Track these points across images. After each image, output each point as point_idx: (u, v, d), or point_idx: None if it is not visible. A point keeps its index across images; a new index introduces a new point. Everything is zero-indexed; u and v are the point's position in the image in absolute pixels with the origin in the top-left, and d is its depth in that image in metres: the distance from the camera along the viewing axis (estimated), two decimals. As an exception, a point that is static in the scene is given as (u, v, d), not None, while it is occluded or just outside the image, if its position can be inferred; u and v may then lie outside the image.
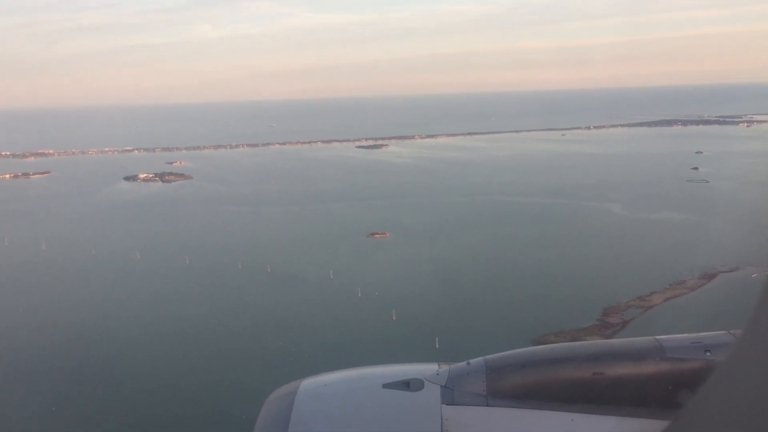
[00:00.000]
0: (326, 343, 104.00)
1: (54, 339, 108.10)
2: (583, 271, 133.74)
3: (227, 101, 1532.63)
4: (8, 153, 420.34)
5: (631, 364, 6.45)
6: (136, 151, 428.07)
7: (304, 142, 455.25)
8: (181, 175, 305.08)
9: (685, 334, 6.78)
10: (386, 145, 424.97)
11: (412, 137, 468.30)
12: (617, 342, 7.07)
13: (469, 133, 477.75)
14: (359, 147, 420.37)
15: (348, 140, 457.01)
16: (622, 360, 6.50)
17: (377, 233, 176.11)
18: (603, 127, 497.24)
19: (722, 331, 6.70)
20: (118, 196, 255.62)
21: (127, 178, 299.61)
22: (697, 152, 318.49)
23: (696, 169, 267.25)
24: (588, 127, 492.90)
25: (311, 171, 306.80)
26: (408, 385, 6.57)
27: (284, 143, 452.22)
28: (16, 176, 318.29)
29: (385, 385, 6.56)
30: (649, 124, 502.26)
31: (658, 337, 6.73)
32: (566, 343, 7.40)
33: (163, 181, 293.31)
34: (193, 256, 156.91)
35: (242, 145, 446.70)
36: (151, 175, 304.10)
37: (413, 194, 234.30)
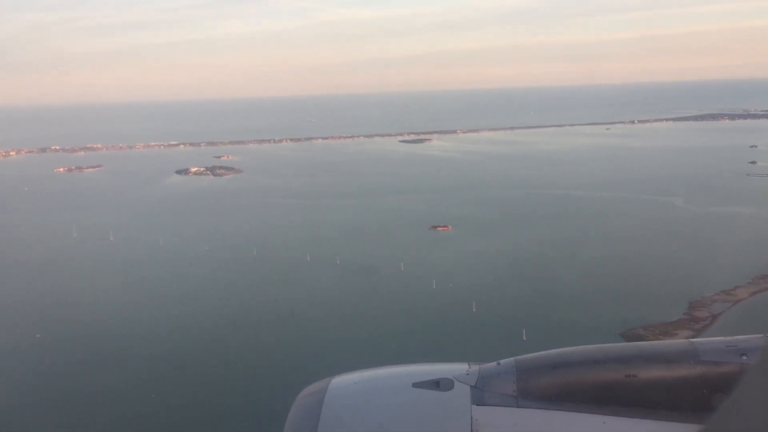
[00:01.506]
0: (407, 335, 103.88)
1: (138, 328, 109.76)
2: (662, 265, 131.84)
3: (258, 97, 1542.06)
4: (58, 147, 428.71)
5: (664, 367, 6.35)
6: (181, 146, 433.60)
7: (347, 137, 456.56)
8: (231, 169, 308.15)
9: (720, 338, 6.65)
10: (429, 139, 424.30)
11: (455, 131, 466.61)
12: (650, 344, 7.00)
13: (511, 128, 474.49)
14: (402, 141, 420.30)
15: (389, 135, 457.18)
16: (655, 363, 6.41)
17: (439, 226, 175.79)
18: (647, 121, 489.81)
19: (759, 335, 6.58)
20: (173, 189, 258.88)
21: (178, 172, 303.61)
22: (751, 146, 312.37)
23: (754, 163, 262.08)
24: (632, 122, 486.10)
25: (359, 165, 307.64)
26: (438, 384, 6.53)
27: (327, 138, 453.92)
28: (70, 170, 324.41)
29: (415, 384, 6.52)
30: (695, 118, 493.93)
31: (692, 339, 6.68)
32: (598, 345, 6.93)
33: (214, 175, 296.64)
34: (259, 247, 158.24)
35: (286, 140, 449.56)
36: (202, 169, 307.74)
37: (468, 188, 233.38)
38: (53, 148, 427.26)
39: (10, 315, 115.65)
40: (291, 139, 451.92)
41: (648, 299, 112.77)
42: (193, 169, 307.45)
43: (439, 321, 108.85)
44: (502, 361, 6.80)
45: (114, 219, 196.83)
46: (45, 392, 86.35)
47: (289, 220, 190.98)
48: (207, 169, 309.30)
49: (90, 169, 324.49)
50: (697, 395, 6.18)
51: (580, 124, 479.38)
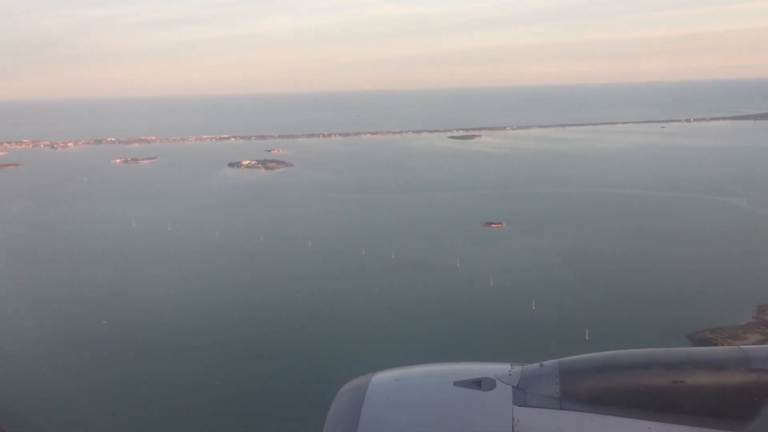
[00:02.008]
0: (465, 331, 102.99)
1: (200, 316, 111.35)
2: (727, 267, 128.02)
3: (305, 92, 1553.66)
4: (113, 139, 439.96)
5: (713, 373, 6.20)
6: (232, 139, 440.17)
7: (395, 132, 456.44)
8: (282, 163, 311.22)
9: None
10: (478, 135, 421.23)
11: (504, 128, 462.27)
12: (699, 350, 6.69)
13: (562, 125, 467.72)
14: (451, 137, 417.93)
15: (438, 131, 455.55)
16: (703, 369, 6.25)
17: (493, 223, 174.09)
18: (703, 120, 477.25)
19: None
20: (226, 181, 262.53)
21: (231, 165, 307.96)
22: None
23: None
24: (688, 120, 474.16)
25: (409, 161, 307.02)
26: (479, 384, 6.48)
27: (375, 133, 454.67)
28: (126, 161, 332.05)
29: (457, 383, 6.48)
30: (755, 117, 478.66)
31: (743, 347, 6.49)
32: (644, 349, 6.62)
33: (265, 168, 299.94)
34: (314, 240, 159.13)
35: (334, 135, 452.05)
36: (253, 162, 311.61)
37: (521, 185, 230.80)
38: (109, 139, 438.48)
39: (77, 302, 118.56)
40: (339, 134, 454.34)
41: (714, 301, 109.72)
42: (245, 162, 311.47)
43: (497, 318, 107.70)
44: (545, 363, 6.71)
45: (170, 210, 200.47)
46: (116, 378, 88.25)
47: (341, 214, 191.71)
48: (258, 162, 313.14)
49: (145, 161, 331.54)
50: (746, 403, 6.04)
51: (633, 122, 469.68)
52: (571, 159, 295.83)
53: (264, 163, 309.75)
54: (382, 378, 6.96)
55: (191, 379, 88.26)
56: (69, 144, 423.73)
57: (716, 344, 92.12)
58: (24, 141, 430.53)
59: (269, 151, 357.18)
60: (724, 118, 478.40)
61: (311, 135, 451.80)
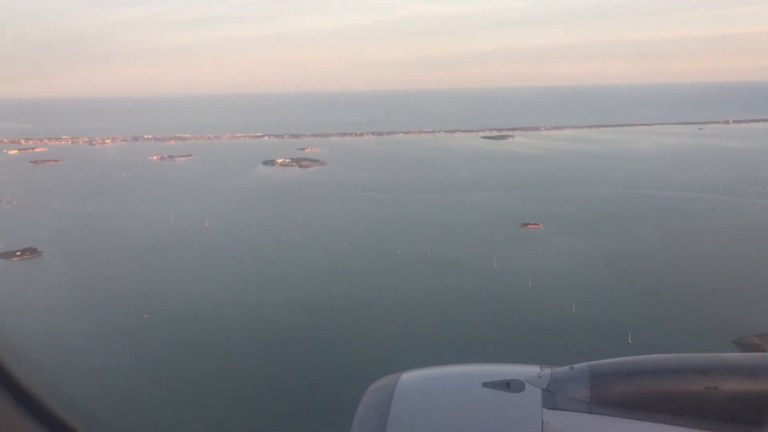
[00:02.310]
0: (503, 332, 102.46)
1: (238, 312, 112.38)
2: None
3: (337, 91, 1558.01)
4: (150, 136, 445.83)
5: (748, 380, 6.05)
6: (266, 137, 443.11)
7: (428, 132, 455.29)
8: (316, 161, 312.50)
9: None
10: (512, 136, 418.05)
11: (538, 129, 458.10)
12: (734, 356, 6.47)
13: (597, 126, 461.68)
14: (484, 138, 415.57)
15: (471, 130, 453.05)
16: (738, 375, 6.10)
17: (530, 224, 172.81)
18: (743, 121, 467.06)
19: None
20: (261, 179, 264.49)
21: (265, 163, 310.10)
22: None
23: None
24: (726, 122, 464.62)
25: (443, 160, 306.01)
26: (508, 385, 6.43)
27: (408, 132, 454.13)
28: (162, 158, 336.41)
29: (485, 384, 6.44)
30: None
31: None
32: (677, 354, 6.49)
33: (299, 167, 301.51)
34: (350, 239, 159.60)
35: (367, 134, 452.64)
36: (287, 161, 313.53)
37: (557, 185, 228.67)
38: (145, 137, 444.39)
39: (120, 296, 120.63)
40: (372, 133, 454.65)
41: (761, 306, 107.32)
42: (279, 161, 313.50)
43: (536, 320, 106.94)
44: (575, 366, 6.60)
45: (207, 207, 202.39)
46: (160, 373, 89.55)
47: (376, 213, 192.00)
48: (292, 160, 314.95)
49: (181, 158, 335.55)
50: None
51: (670, 124, 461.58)
52: (607, 160, 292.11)
53: (298, 162, 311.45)
54: (411, 377, 6.92)
55: (233, 375, 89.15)
56: (107, 141, 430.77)
57: (764, 350, 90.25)
58: (63, 137, 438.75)
59: (302, 149, 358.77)
60: (765, 120, 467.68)
61: (344, 134, 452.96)
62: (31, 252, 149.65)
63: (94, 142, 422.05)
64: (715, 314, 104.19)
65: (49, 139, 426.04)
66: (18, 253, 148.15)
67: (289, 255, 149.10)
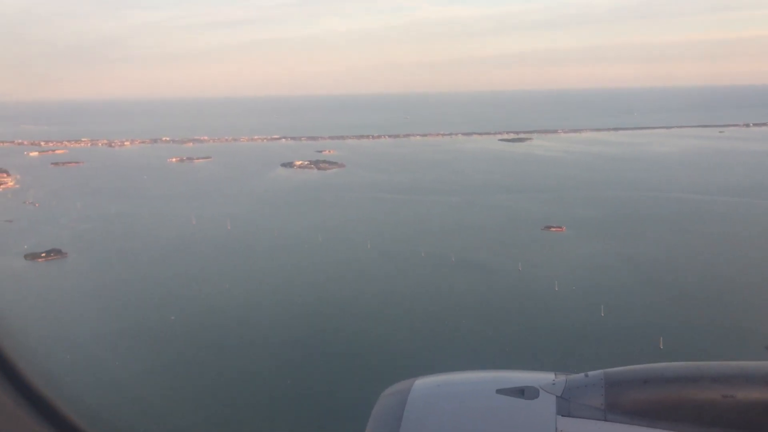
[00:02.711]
0: (531, 336, 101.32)
1: (264, 314, 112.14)
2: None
3: (354, 94, 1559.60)
4: (168, 138, 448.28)
5: (765, 388, 6.01)
6: (283, 140, 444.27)
7: (445, 134, 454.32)
8: (335, 163, 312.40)
9: None
10: (530, 138, 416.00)
11: (555, 131, 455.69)
12: (752, 364, 6.40)
13: (615, 129, 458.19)
14: (502, 140, 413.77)
15: (488, 133, 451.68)
16: (756, 384, 6.05)
17: (553, 226, 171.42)
18: (764, 124, 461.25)
19: None
20: (281, 181, 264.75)
21: (284, 165, 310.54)
22: None
23: None
24: (747, 125, 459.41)
25: (461, 163, 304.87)
26: (522, 392, 6.43)
27: (425, 135, 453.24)
28: (181, 160, 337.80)
29: (499, 391, 6.44)
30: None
31: None
32: (693, 362, 6.45)
33: (318, 169, 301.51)
34: (373, 241, 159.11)
35: (384, 136, 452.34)
36: (306, 163, 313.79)
37: (578, 188, 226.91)
38: (164, 139, 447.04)
39: (146, 298, 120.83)
40: (389, 136, 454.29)
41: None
42: (298, 163, 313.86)
43: (564, 324, 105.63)
44: (590, 373, 6.61)
45: (227, 208, 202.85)
46: (189, 375, 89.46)
47: (397, 215, 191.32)
48: (311, 162, 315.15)
49: (200, 160, 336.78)
50: None
51: (689, 126, 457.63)
52: (628, 162, 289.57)
53: (316, 164, 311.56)
54: (425, 383, 6.89)
55: (261, 377, 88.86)
56: (126, 143, 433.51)
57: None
58: (83, 139, 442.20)
59: (320, 152, 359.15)
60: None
61: (361, 136, 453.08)
62: (55, 253, 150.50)
63: (113, 144, 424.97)
64: (746, 319, 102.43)
65: (68, 141, 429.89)
66: (43, 255, 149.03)
67: (313, 257, 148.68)
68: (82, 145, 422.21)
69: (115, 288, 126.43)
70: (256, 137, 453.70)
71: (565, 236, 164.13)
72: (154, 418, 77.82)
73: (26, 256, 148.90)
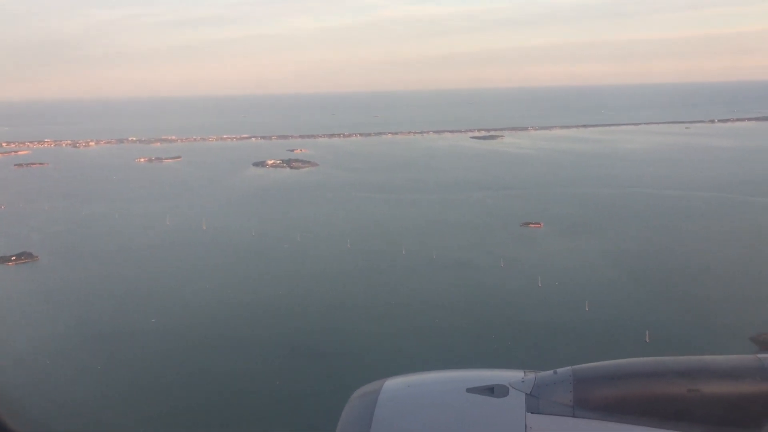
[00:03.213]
0: (517, 332, 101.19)
1: (247, 314, 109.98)
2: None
3: (322, 93, 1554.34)
4: (134, 138, 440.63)
5: (729, 382, 6.18)
6: (253, 139, 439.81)
7: (416, 133, 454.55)
8: (307, 162, 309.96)
9: None
10: (501, 136, 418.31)
11: (526, 129, 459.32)
12: (715, 359, 6.57)
13: (585, 126, 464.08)
14: (473, 138, 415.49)
15: (459, 131, 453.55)
16: (720, 378, 6.23)
17: (531, 223, 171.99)
18: (728, 120, 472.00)
19: None
20: (254, 180, 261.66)
21: (256, 164, 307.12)
22: None
23: None
24: (712, 121, 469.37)
25: (436, 161, 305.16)
26: (492, 390, 6.48)
27: (396, 133, 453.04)
28: (150, 160, 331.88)
29: (469, 390, 6.48)
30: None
31: (760, 355, 6.46)
32: (659, 357, 6.63)
33: (291, 168, 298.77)
34: (352, 240, 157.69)
35: (355, 134, 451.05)
36: (278, 162, 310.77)
37: (553, 185, 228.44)
38: (130, 139, 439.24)
39: (125, 301, 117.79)
40: (360, 134, 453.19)
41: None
42: (270, 162, 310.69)
43: (550, 320, 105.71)
44: (558, 370, 6.67)
45: (201, 209, 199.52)
46: (174, 377, 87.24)
47: (375, 214, 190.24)
48: (283, 161, 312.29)
49: (169, 160, 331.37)
50: (763, 413, 6.03)
51: (656, 123, 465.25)
52: (599, 159, 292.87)
53: (289, 163, 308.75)
54: (395, 384, 6.89)
55: (251, 378, 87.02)
56: (91, 143, 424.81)
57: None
58: (46, 140, 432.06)
59: (292, 150, 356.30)
60: (749, 119, 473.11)
61: (332, 135, 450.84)
62: (26, 256, 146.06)
63: (77, 145, 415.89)
64: (730, 312, 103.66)
65: (31, 141, 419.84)
66: (13, 258, 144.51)
67: (293, 256, 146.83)
68: (46, 145, 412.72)
69: (91, 291, 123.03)
70: (225, 136, 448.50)
71: (544, 232, 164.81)
72: (136, 419, 75.62)
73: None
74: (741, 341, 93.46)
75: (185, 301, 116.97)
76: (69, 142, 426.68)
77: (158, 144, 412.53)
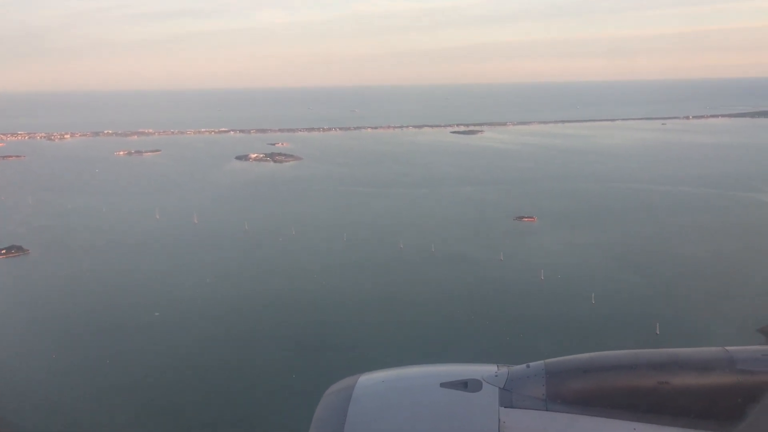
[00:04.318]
0: (527, 324, 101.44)
1: (250, 307, 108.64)
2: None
3: (299, 86, 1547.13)
4: (110, 132, 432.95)
5: (698, 374, 6.28)
6: (232, 132, 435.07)
7: (396, 127, 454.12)
8: (290, 156, 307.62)
9: (757, 346, 6.54)
10: (481, 131, 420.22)
11: (505, 124, 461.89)
12: (684, 351, 6.71)
13: (562, 121, 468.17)
14: (453, 132, 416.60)
15: (439, 126, 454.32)
16: (689, 370, 6.33)
17: (524, 217, 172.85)
18: (702, 117, 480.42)
19: None
20: (239, 174, 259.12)
21: (238, 158, 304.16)
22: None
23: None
24: (687, 117, 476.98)
25: (419, 155, 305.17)
26: (466, 385, 6.53)
27: (376, 128, 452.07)
28: (129, 153, 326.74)
29: (443, 384, 6.54)
30: (752, 114, 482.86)
31: (728, 348, 6.56)
32: (631, 350, 6.78)
33: (274, 161, 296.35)
34: (348, 233, 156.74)
35: (335, 129, 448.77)
36: (261, 156, 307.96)
37: (539, 180, 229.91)
38: (106, 132, 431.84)
39: (124, 294, 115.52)
40: (340, 128, 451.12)
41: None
42: (253, 156, 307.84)
43: (557, 312, 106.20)
44: (531, 364, 6.75)
45: (189, 202, 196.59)
46: (185, 370, 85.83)
47: (367, 208, 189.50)
48: (266, 155, 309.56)
49: (149, 154, 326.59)
50: (731, 404, 6.12)
51: (634, 119, 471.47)
52: (580, 155, 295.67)
53: (272, 157, 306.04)
54: (369, 379, 6.92)
55: (265, 370, 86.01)
56: (66, 136, 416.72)
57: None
58: (19, 133, 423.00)
59: (273, 144, 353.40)
60: (723, 116, 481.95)
61: (311, 129, 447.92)
62: (16, 250, 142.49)
63: (52, 138, 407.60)
64: (736, 304, 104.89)
65: (3, 134, 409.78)
66: (3, 251, 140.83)
67: (289, 250, 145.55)
68: (19, 138, 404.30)
69: (89, 285, 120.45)
70: (203, 130, 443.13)
71: (537, 226, 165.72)
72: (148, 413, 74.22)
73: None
74: (749, 333, 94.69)
75: (186, 294, 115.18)
76: (43, 134, 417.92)
77: (135, 137, 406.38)
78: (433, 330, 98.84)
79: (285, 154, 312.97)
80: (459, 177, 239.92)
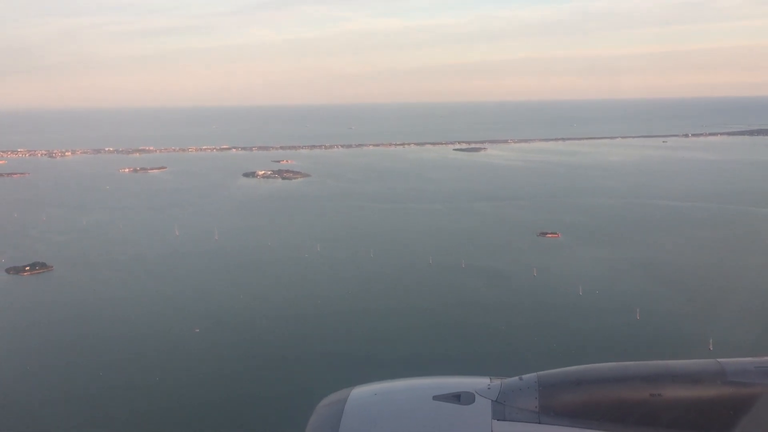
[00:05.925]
0: (572, 339, 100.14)
1: (288, 325, 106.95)
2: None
3: (290, 104, 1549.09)
4: (112, 149, 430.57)
5: (690, 386, 6.30)
6: (233, 150, 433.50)
7: (397, 144, 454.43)
8: (298, 173, 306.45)
9: (749, 358, 6.51)
10: (484, 148, 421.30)
11: (506, 141, 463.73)
12: (676, 363, 6.72)
13: (563, 139, 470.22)
14: (457, 150, 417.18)
15: (441, 143, 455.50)
16: (680, 382, 6.34)
17: (548, 233, 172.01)
18: (701, 135, 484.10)
19: None
20: (248, 191, 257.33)
21: (246, 175, 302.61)
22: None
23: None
24: (686, 135, 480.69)
25: (427, 172, 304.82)
26: (459, 398, 6.50)
27: (378, 145, 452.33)
28: (135, 170, 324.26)
29: (436, 397, 6.53)
30: (749, 133, 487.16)
31: (720, 359, 6.55)
32: (622, 363, 6.85)
33: (283, 178, 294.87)
34: (374, 249, 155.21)
35: (337, 146, 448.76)
36: (269, 172, 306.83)
37: (553, 196, 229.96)
38: (107, 149, 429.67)
39: (159, 310, 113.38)
40: (342, 146, 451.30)
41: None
42: (261, 172, 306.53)
43: (602, 327, 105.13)
44: (524, 376, 6.70)
45: (205, 219, 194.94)
46: (234, 385, 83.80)
47: (387, 224, 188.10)
48: (274, 172, 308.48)
49: (155, 171, 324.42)
50: (723, 416, 6.13)
51: (633, 137, 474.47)
52: (588, 171, 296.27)
53: (280, 174, 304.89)
54: (361, 392, 6.87)
55: (311, 388, 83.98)
56: (67, 153, 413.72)
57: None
58: (19, 150, 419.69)
59: (278, 161, 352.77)
60: (721, 134, 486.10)
61: (312, 146, 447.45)
62: (40, 266, 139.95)
63: (54, 155, 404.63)
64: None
65: (4, 151, 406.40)
66: (27, 268, 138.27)
67: (317, 266, 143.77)
68: (20, 155, 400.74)
69: (120, 301, 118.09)
70: (205, 147, 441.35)
71: (562, 242, 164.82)
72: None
73: (8, 270, 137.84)
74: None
75: (225, 311, 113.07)
76: (44, 152, 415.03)
77: (138, 154, 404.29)
78: (479, 344, 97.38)
79: (292, 171, 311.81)
80: (471, 192, 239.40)
